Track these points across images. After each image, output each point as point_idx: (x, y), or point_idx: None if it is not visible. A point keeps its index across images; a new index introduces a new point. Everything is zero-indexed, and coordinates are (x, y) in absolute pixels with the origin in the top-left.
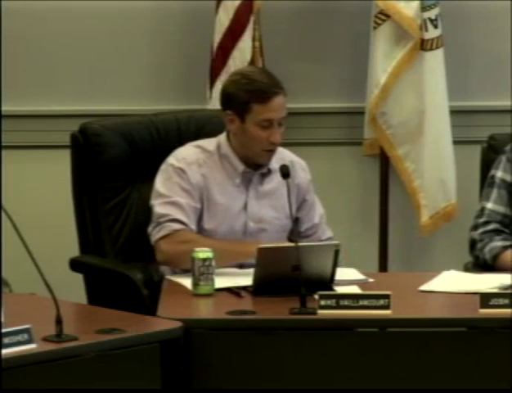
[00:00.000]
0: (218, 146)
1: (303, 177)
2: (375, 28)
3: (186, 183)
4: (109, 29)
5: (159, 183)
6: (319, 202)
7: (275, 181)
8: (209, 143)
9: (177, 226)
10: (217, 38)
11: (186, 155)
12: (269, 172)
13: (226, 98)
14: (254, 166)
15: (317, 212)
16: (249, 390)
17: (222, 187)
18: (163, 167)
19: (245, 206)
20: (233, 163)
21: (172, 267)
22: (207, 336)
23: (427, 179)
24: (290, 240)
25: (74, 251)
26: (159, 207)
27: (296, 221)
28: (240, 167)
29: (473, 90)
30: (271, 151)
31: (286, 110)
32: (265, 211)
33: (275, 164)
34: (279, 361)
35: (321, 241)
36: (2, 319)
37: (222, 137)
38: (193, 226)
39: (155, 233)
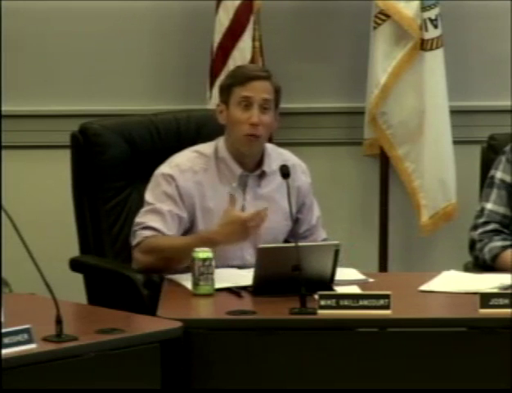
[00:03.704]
0: (216, 150)
1: (303, 180)
2: (375, 28)
3: (173, 190)
4: (109, 30)
5: (147, 191)
6: (316, 204)
7: (273, 183)
8: (207, 147)
9: (147, 233)
10: (217, 38)
11: (180, 161)
12: (266, 174)
13: (219, 91)
14: (251, 168)
15: (315, 214)
16: (249, 390)
17: (218, 192)
18: (155, 174)
19: (242, 210)
20: (230, 166)
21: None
22: (207, 336)
23: (427, 179)
24: (287, 242)
25: (74, 251)
26: (138, 216)
27: (296, 222)
28: (238, 170)
29: (473, 90)
30: (253, 138)
31: (271, 96)
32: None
33: (273, 166)
34: (279, 361)
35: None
36: (2, 319)
37: (221, 140)
38: (170, 233)
39: (131, 242)
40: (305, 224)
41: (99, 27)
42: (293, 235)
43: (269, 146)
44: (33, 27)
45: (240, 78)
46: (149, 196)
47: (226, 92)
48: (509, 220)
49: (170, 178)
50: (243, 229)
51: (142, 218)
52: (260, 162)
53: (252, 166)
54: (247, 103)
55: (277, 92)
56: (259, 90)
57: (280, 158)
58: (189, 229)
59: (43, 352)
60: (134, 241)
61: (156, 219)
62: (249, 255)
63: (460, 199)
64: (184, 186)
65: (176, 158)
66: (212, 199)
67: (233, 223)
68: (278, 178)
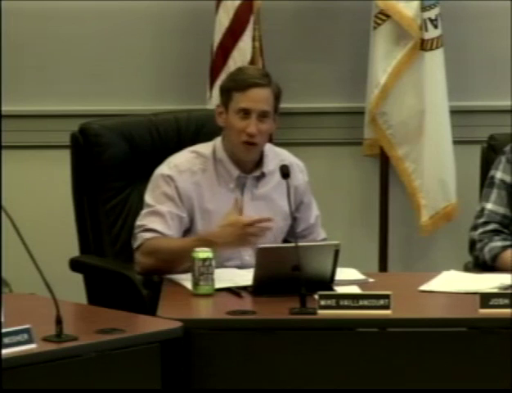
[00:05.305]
0: (214, 151)
1: (300, 178)
2: (375, 28)
3: (173, 190)
4: (109, 30)
5: (147, 193)
6: (315, 203)
7: (270, 184)
8: (206, 147)
9: (148, 235)
10: (217, 38)
11: (179, 162)
12: (263, 175)
13: (220, 92)
14: (248, 170)
15: (313, 213)
16: (249, 390)
17: (215, 193)
18: (154, 175)
19: (241, 211)
20: (228, 168)
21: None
22: (207, 336)
23: (427, 179)
24: (286, 241)
25: (74, 251)
26: (139, 218)
27: (294, 221)
28: (235, 172)
29: (473, 90)
30: (250, 146)
31: (270, 105)
32: (261, 214)
33: (271, 166)
34: (279, 361)
35: (316, 241)
36: (2, 319)
37: (218, 140)
38: (171, 233)
39: (132, 244)
40: (303, 223)
41: (99, 27)
42: (292, 234)
43: (266, 146)
44: (33, 27)
45: (241, 84)
46: (148, 197)
47: (225, 95)
48: (509, 220)
49: (169, 178)
50: (242, 233)
51: (143, 220)
52: (258, 163)
53: (250, 168)
54: (246, 112)
55: (277, 98)
56: (258, 100)
57: (277, 158)
58: (188, 230)
59: (43, 352)
60: (135, 244)
61: (156, 220)
62: (248, 256)
63: (460, 199)
64: (183, 187)
65: (174, 159)
66: (210, 200)
67: (232, 225)
68: (275, 178)
